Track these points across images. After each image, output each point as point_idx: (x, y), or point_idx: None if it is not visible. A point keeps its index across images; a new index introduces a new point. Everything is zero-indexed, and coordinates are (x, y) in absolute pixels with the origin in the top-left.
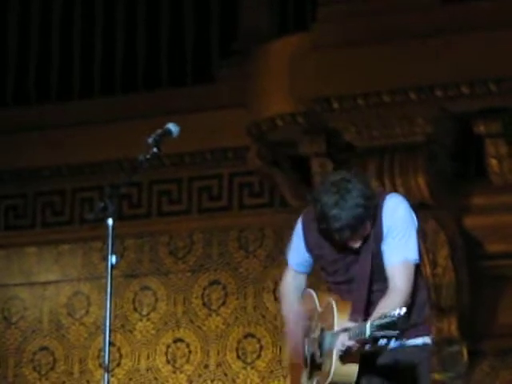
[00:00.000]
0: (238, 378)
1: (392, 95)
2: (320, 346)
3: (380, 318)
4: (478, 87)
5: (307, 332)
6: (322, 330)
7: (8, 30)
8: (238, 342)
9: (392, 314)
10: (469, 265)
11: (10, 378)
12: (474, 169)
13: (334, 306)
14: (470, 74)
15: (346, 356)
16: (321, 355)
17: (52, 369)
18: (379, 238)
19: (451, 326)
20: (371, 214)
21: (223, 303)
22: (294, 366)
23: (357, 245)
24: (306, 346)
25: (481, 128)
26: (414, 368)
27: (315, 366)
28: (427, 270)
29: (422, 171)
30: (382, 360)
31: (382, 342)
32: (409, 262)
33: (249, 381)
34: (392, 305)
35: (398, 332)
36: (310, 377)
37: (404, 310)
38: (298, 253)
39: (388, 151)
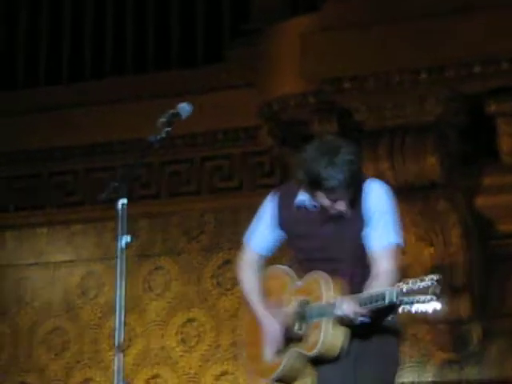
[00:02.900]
0: None
1: (403, 75)
2: (300, 318)
3: (406, 283)
4: (490, 67)
5: (276, 306)
6: (305, 303)
7: (19, 12)
8: None
9: (426, 278)
10: (480, 244)
11: (22, 358)
12: (485, 149)
13: (325, 280)
14: (481, 54)
15: (347, 324)
16: (301, 327)
17: (65, 349)
18: (362, 221)
19: (463, 306)
20: (360, 172)
21: (236, 283)
22: (251, 343)
23: (343, 208)
24: (277, 320)
25: (492, 107)
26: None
27: (290, 338)
28: (439, 249)
29: (433, 151)
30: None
31: (406, 307)
32: (395, 246)
33: None
34: (384, 285)
35: (433, 296)
36: (285, 349)
37: (439, 276)
38: (265, 232)
39: (399, 131)
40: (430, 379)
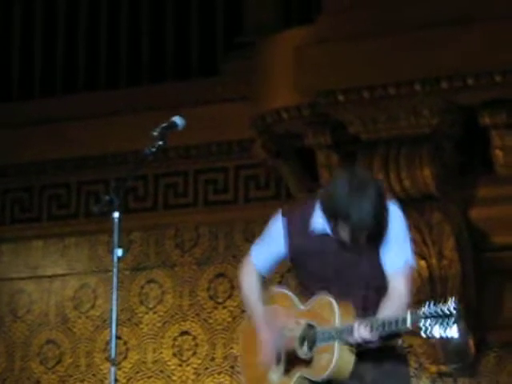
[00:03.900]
0: None
1: (397, 87)
2: (306, 341)
3: (425, 308)
4: (484, 79)
5: (278, 329)
6: (312, 326)
7: (12, 24)
8: None
9: (445, 304)
10: (475, 257)
11: (16, 371)
12: (480, 160)
13: (336, 303)
14: (476, 66)
15: (357, 349)
16: (308, 351)
17: (59, 362)
18: (379, 242)
19: None
20: (387, 210)
21: (229, 296)
22: (250, 364)
23: (363, 241)
24: (279, 342)
25: (486, 119)
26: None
27: (295, 362)
28: (433, 261)
29: (428, 163)
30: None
31: (425, 331)
32: (409, 267)
33: None
34: (395, 307)
35: (453, 320)
36: (287, 373)
37: (455, 300)
38: (270, 253)
39: (394, 143)
40: None
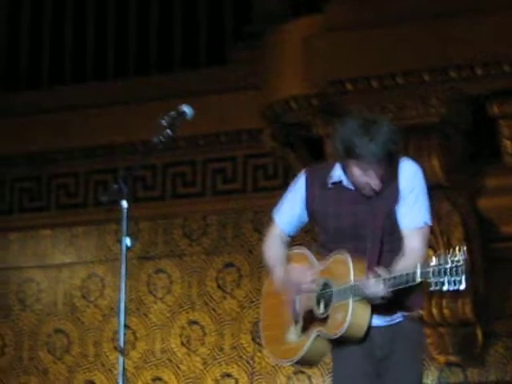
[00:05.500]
0: (253, 360)
1: (406, 77)
2: (323, 299)
3: (432, 264)
4: (492, 68)
5: (297, 290)
6: (328, 284)
7: (21, 15)
8: (253, 324)
9: (452, 259)
10: (483, 246)
11: (25, 360)
12: (488, 150)
13: (350, 260)
14: (484, 55)
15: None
16: (325, 308)
17: (67, 351)
18: (395, 198)
19: (465, 308)
20: (396, 150)
21: (238, 286)
22: (270, 325)
23: (373, 180)
24: (297, 302)
25: (494, 109)
26: (415, 343)
27: (313, 320)
28: (441, 251)
29: (437, 152)
30: (384, 334)
31: (435, 287)
32: (426, 226)
33: (263, 363)
34: (408, 264)
35: (462, 276)
36: (305, 331)
37: (465, 255)
38: (292, 210)
39: (402, 132)
40: (432, 382)
